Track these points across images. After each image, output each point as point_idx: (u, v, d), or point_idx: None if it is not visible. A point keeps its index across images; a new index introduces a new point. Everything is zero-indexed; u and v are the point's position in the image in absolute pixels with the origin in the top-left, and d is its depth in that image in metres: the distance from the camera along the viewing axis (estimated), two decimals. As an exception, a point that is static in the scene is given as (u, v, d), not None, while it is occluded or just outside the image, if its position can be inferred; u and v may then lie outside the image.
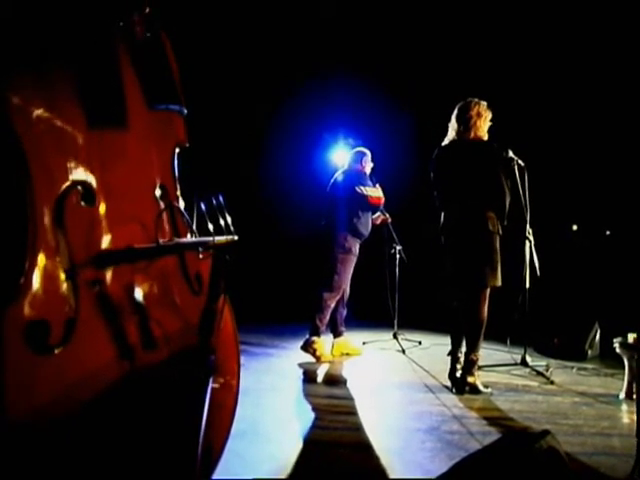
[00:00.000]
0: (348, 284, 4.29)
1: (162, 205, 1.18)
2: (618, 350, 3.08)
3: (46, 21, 0.98)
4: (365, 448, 2.32)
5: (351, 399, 3.10)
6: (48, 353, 0.86)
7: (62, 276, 0.91)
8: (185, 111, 1.21)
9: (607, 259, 5.99)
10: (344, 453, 2.28)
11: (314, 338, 4.11)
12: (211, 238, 1.00)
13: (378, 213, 4.50)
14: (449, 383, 3.29)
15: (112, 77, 1.04)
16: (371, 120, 5.68)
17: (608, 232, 7.09)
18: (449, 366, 3.28)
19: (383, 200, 4.32)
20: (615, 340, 3.11)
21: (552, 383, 3.38)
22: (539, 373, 3.55)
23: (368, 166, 4.39)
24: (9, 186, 0.87)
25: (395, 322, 4.69)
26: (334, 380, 3.59)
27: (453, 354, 3.29)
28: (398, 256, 4.72)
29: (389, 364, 4.07)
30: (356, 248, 4.25)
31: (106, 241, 1.01)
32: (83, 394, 0.91)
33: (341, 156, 4.70)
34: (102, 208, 1.01)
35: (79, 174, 0.97)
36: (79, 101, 0.98)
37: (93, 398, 0.92)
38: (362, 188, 4.20)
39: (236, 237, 1.04)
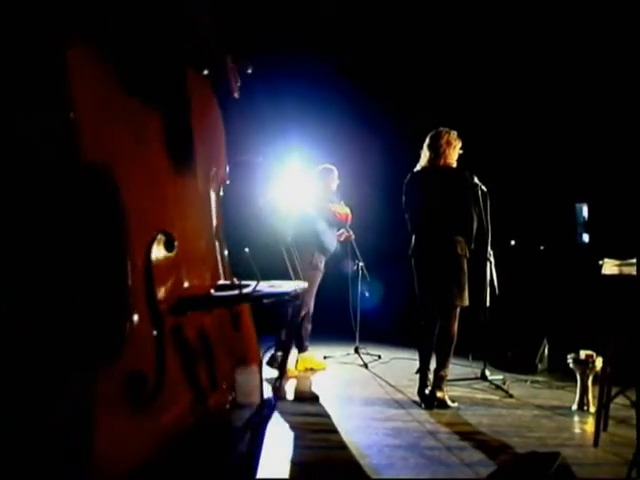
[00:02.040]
0: (313, 300, 4.37)
1: (218, 245, 1.20)
2: (572, 365, 3.35)
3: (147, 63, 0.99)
4: (356, 467, 2.39)
5: (327, 416, 3.16)
6: (145, 407, 0.87)
7: (151, 326, 0.92)
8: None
9: (545, 274, 6.43)
10: (336, 473, 2.34)
11: (280, 354, 4.14)
12: (290, 287, 1.04)
13: (342, 230, 4.60)
14: (417, 398, 3.43)
15: (187, 122, 1.06)
16: (337, 136, 5.79)
17: (542, 247, 7.62)
18: (418, 382, 3.43)
19: (350, 217, 4.44)
20: (569, 356, 3.38)
21: (511, 397, 3.61)
22: (498, 387, 3.78)
23: (334, 183, 4.49)
24: (107, 240, 0.87)
25: (357, 336, 4.80)
26: (304, 397, 3.63)
27: (422, 371, 3.44)
28: (360, 272, 4.85)
29: (354, 379, 4.17)
30: (322, 264, 4.34)
31: (184, 286, 1.02)
32: (167, 444, 0.91)
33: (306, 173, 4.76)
34: (180, 254, 1.02)
35: (163, 221, 0.98)
36: (164, 145, 0.99)
37: (175, 447, 0.93)
38: (329, 205, 4.30)
39: (304, 284, 1.09)
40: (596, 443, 2.72)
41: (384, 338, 5.59)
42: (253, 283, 1.15)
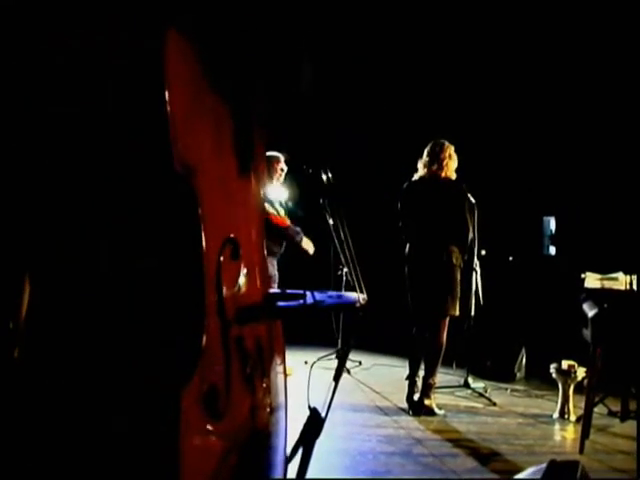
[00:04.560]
0: None
1: (265, 251, 1.19)
2: (554, 375, 3.45)
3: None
4: (354, 473, 2.39)
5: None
6: (219, 420, 0.84)
7: (219, 336, 0.90)
8: None
9: (515, 285, 6.61)
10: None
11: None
12: (355, 296, 1.03)
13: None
14: (402, 405, 3.47)
15: (250, 120, 1.04)
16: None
17: (510, 258, 7.83)
18: (407, 389, 3.46)
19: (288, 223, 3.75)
20: (551, 366, 3.48)
21: (494, 405, 3.68)
22: (480, 394, 3.85)
23: (278, 174, 3.81)
24: (188, 249, 0.84)
25: (339, 342, 4.80)
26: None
27: (411, 378, 3.48)
28: (344, 278, 4.84)
29: (339, 385, 4.16)
30: (273, 269, 3.64)
31: (243, 294, 1.00)
32: (235, 455, 0.90)
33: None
34: (242, 260, 1.00)
35: (230, 226, 0.96)
36: (234, 145, 0.97)
37: (240, 458, 0.92)
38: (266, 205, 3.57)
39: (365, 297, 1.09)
40: (581, 451, 2.81)
41: (363, 344, 5.60)
42: (303, 292, 1.14)
